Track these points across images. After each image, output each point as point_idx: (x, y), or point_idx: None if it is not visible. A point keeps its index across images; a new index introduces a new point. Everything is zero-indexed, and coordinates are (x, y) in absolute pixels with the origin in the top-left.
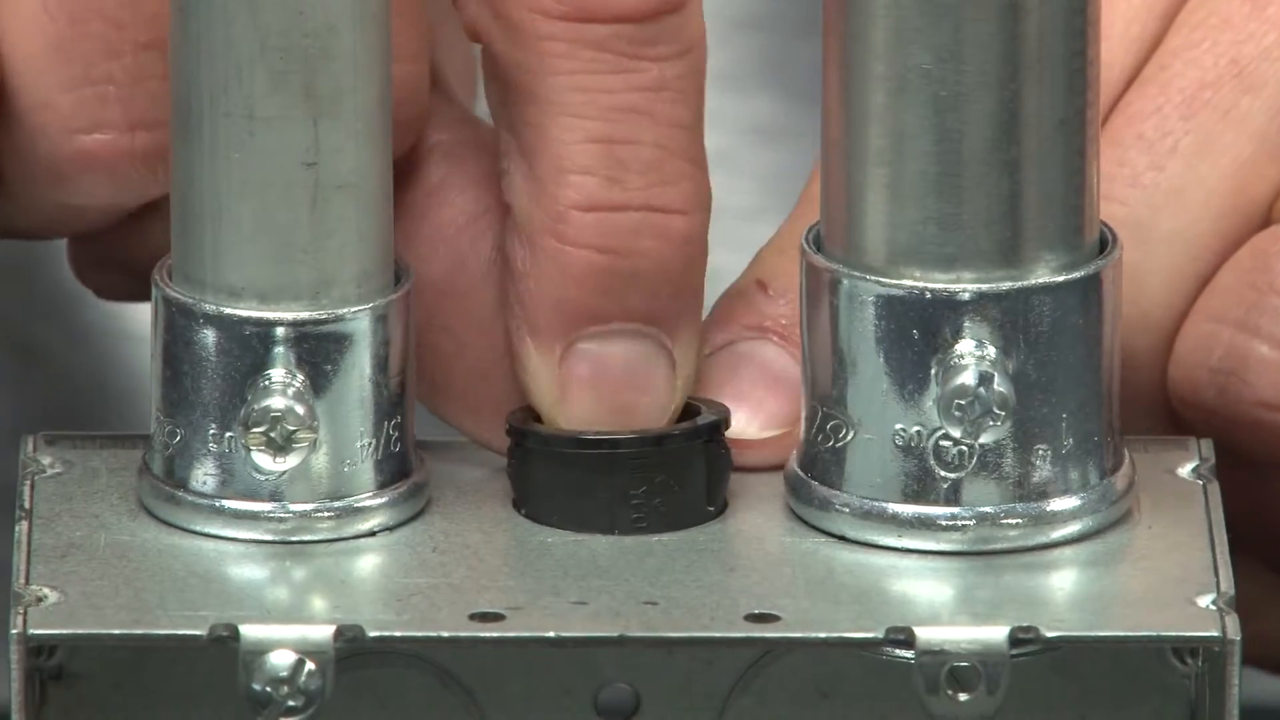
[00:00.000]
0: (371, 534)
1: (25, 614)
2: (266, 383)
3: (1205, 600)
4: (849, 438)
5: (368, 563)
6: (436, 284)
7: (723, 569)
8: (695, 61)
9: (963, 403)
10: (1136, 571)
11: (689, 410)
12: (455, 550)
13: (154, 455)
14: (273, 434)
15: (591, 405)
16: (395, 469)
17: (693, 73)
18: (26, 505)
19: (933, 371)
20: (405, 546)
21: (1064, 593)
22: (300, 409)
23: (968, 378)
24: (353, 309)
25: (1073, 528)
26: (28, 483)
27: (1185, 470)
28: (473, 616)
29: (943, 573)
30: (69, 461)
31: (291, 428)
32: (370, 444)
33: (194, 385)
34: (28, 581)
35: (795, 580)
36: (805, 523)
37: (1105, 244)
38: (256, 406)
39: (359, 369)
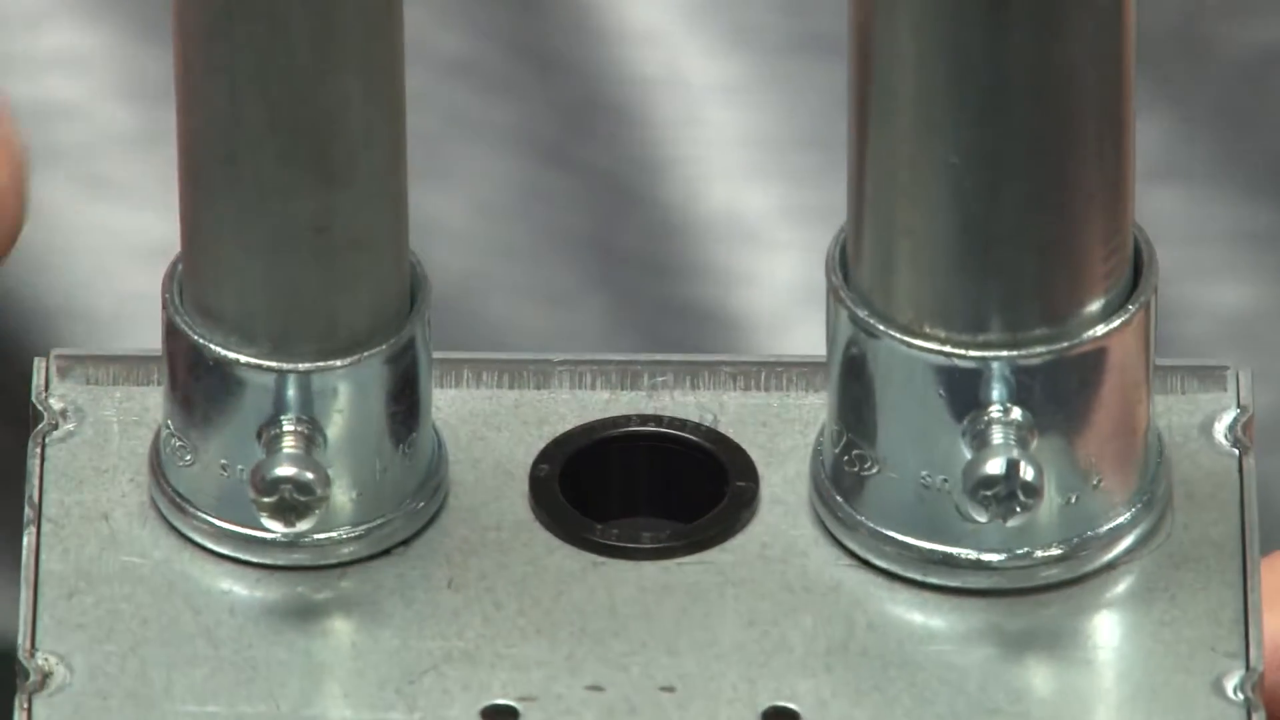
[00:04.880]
0: (387, 552)
1: (30, 706)
2: (276, 434)
3: (1231, 683)
4: (874, 471)
5: (384, 611)
6: None
7: (742, 621)
8: None
9: (989, 493)
10: (1160, 644)
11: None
12: (471, 586)
13: (165, 462)
14: (283, 504)
15: None
16: (412, 482)
17: None
18: (35, 496)
19: (961, 429)
20: (421, 579)
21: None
22: (310, 475)
23: (995, 467)
24: (366, 352)
25: (1107, 556)
26: (37, 454)
27: (1221, 429)
28: (485, 713)
29: (972, 641)
30: (80, 410)
31: (303, 498)
32: (384, 468)
33: (204, 418)
34: (34, 645)
35: (815, 644)
36: (829, 531)
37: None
38: (267, 476)
39: (373, 408)
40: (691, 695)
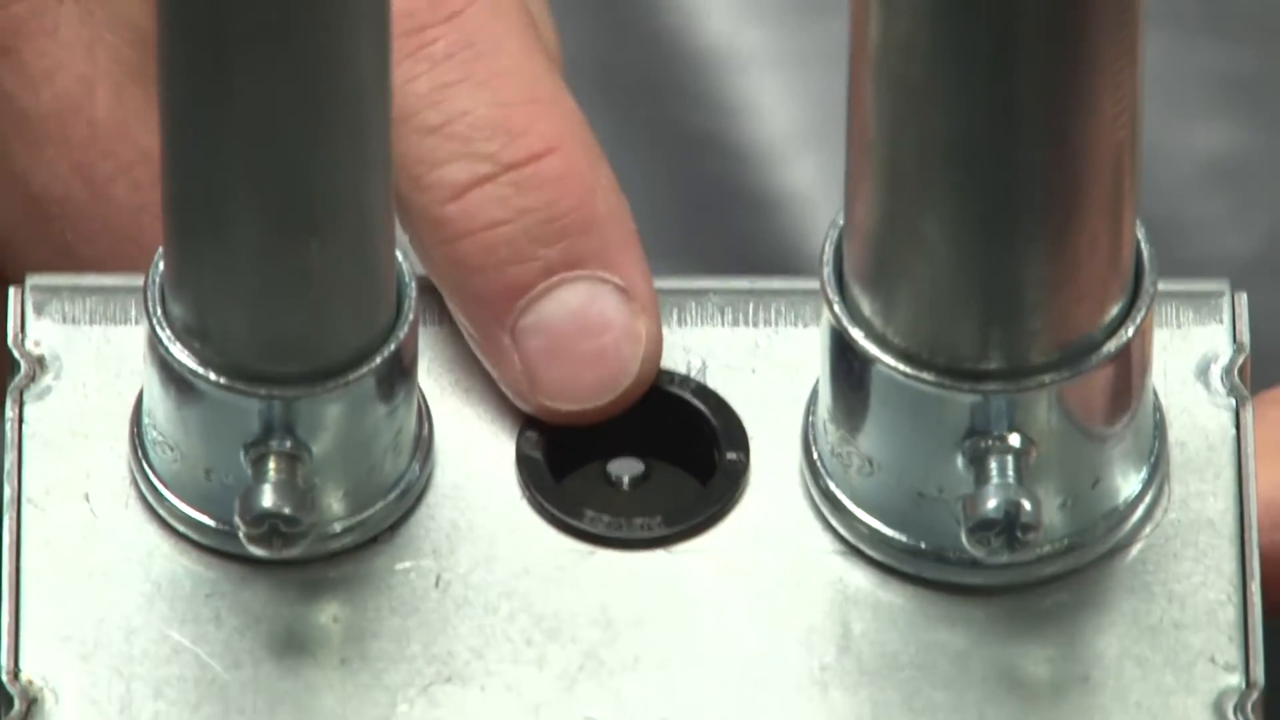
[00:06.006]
0: (374, 539)
1: None
2: (262, 455)
3: (1231, 703)
4: (868, 474)
5: (371, 617)
6: None
7: (736, 627)
8: (480, 9)
9: (989, 535)
10: (1159, 654)
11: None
12: (459, 583)
13: (147, 447)
14: (271, 533)
15: (561, 371)
16: (399, 467)
17: (491, 16)
18: (15, 469)
19: (958, 452)
20: (409, 576)
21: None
22: (295, 506)
23: (994, 510)
24: (354, 374)
25: (1105, 546)
26: (15, 413)
27: (1217, 373)
28: None
29: (968, 651)
30: (57, 357)
31: (290, 529)
32: (372, 466)
33: (187, 429)
34: (17, 665)
35: (809, 657)
36: (821, 514)
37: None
38: (254, 509)
39: (362, 421)
40: None
